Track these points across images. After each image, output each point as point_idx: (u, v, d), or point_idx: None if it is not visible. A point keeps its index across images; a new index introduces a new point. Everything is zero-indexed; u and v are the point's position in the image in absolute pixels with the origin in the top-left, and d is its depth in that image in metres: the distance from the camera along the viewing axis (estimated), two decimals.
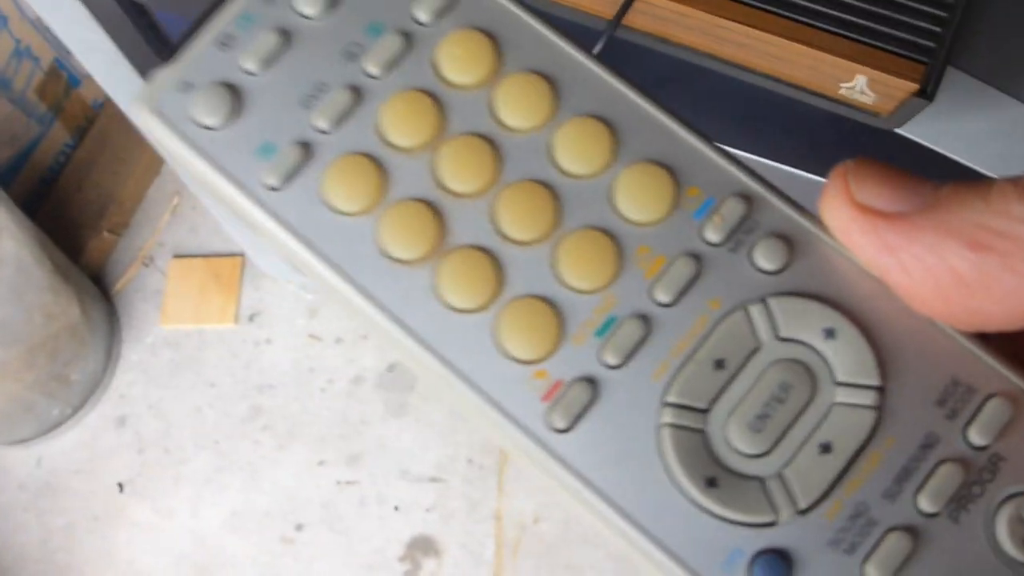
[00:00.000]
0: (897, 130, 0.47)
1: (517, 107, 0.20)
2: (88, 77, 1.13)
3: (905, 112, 0.44)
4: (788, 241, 0.19)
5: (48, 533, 1.04)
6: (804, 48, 0.44)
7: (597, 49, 0.46)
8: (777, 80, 0.47)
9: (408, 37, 0.21)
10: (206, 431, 1.07)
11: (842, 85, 0.45)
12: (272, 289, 1.12)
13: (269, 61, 0.20)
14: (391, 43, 0.20)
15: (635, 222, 0.20)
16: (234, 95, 0.20)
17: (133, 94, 0.20)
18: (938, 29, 0.43)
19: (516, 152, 0.20)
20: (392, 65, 0.20)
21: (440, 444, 1.03)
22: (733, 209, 0.19)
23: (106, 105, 1.16)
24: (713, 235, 0.19)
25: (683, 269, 0.19)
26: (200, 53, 0.20)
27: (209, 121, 0.20)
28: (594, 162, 0.20)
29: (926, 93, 0.42)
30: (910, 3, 0.44)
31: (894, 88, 0.43)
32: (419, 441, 1.04)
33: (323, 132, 0.20)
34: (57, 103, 1.10)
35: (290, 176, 0.20)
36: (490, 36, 0.20)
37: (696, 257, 0.19)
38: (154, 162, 1.17)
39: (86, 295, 1.04)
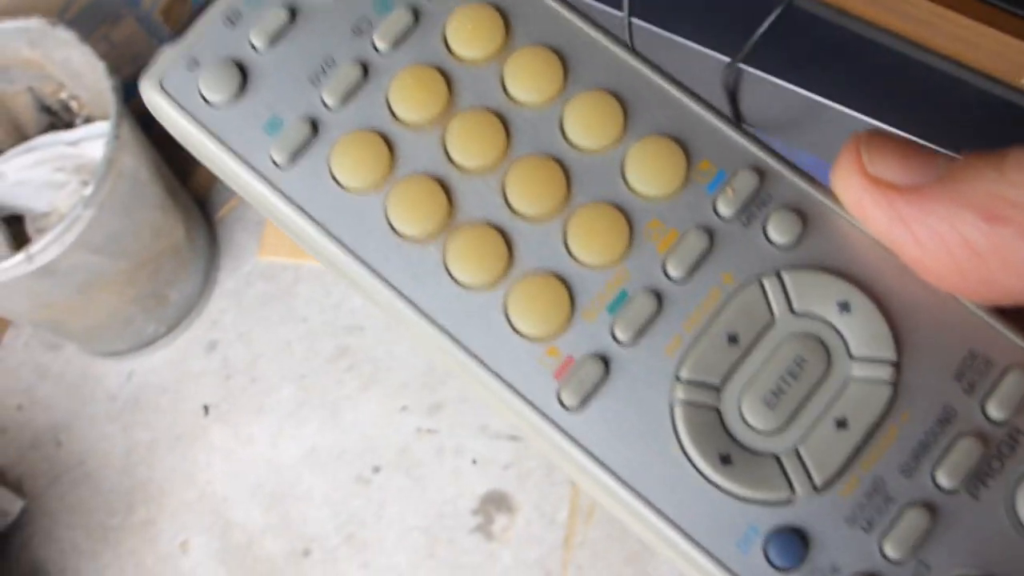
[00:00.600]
0: None
1: (527, 81, 0.20)
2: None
3: None
4: (801, 214, 0.19)
5: (132, 445, 1.06)
6: (994, 32, 0.43)
7: (772, 18, 0.45)
8: (957, 63, 0.46)
9: (417, 12, 0.20)
10: (292, 365, 1.08)
11: None
12: None
13: (276, 37, 0.20)
14: (400, 18, 0.20)
15: (646, 196, 0.19)
16: (241, 71, 0.20)
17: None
18: None
19: (526, 126, 0.20)
20: (401, 40, 0.20)
21: None
22: (745, 182, 0.19)
23: None
24: (725, 209, 0.19)
25: (695, 243, 0.19)
26: (207, 30, 0.20)
27: (216, 98, 0.20)
28: (605, 136, 0.20)
29: None
30: None
31: None
32: None
33: (331, 108, 0.20)
34: (180, 27, 1.12)
35: (297, 153, 0.20)
36: (499, 9, 0.20)
37: (708, 231, 0.19)
38: None
39: (191, 218, 1.05)
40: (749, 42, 0.46)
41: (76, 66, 0.93)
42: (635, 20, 0.49)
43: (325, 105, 0.20)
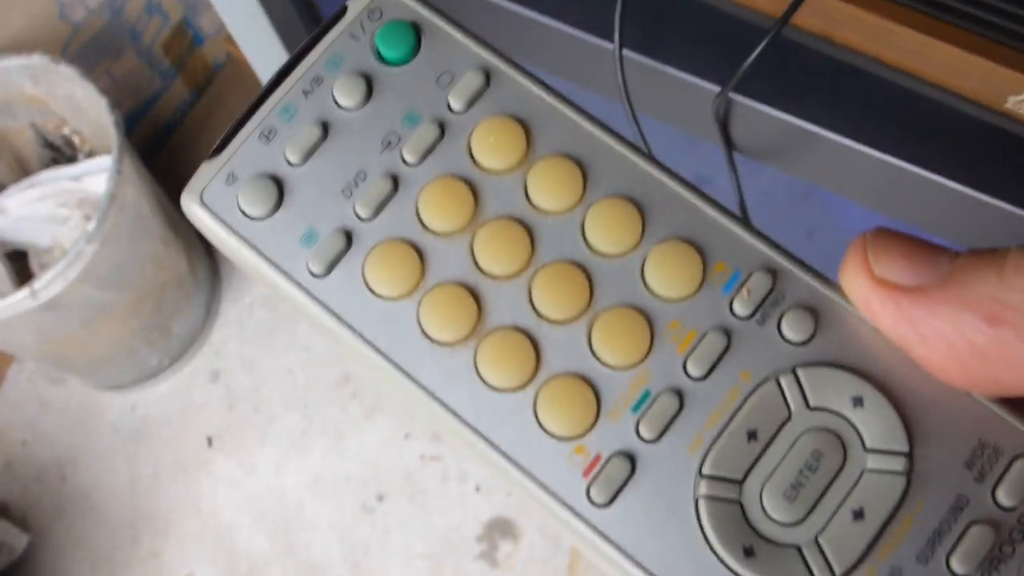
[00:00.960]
0: None
1: (549, 190, 0.21)
2: (212, 38, 1.16)
3: None
4: (814, 312, 0.20)
5: (136, 478, 1.06)
6: (977, 58, 0.44)
7: (761, 47, 0.46)
8: (943, 89, 0.46)
9: (443, 125, 0.21)
10: (296, 393, 1.09)
11: (1011, 98, 0.44)
12: None
13: (310, 152, 0.21)
14: (427, 131, 0.21)
15: (666, 298, 0.20)
16: (277, 186, 0.21)
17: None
18: None
19: (549, 234, 0.21)
20: (428, 152, 0.21)
21: None
22: (760, 283, 0.20)
23: (226, 66, 1.19)
24: (741, 309, 0.20)
25: (714, 342, 0.20)
26: (244, 146, 0.21)
27: (254, 212, 0.21)
28: (624, 241, 0.20)
29: None
30: None
31: None
32: None
33: (363, 219, 0.21)
34: (180, 60, 1.13)
35: (333, 263, 0.20)
36: (521, 122, 0.21)
37: (726, 331, 0.20)
38: None
39: (193, 249, 1.06)
40: (738, 72, 0.46)
41: (78, 101, 0.94)
42: (626, 51, 0.50)
43: (358, 216, 0.21)
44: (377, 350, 0.20)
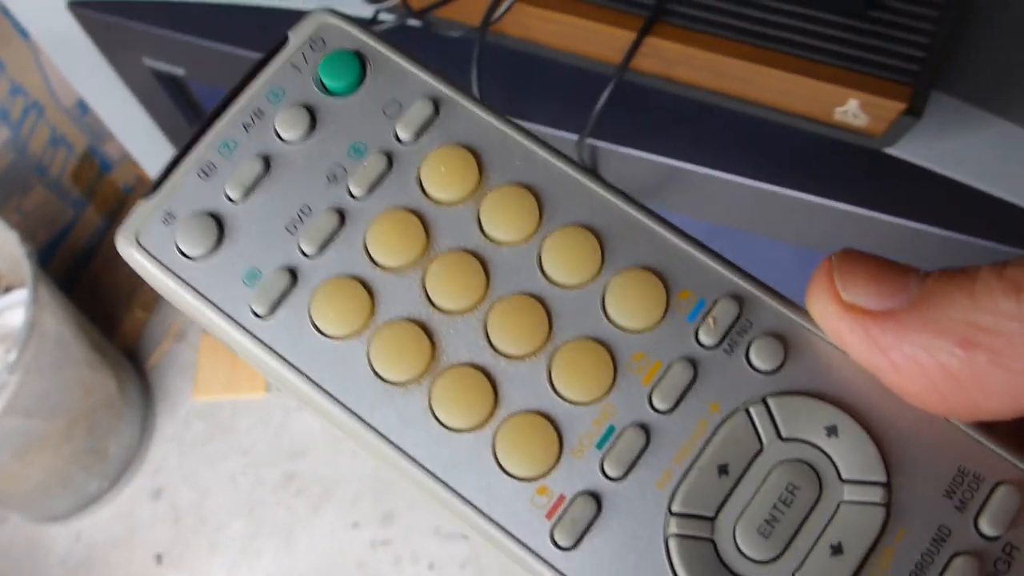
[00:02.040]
0: (893, 152, 0.50)
1: (503, 220, 0.20)
2: (119, 163, 1.18)
3: (896, 131, 0.47)
4: (783, 339, 0.19)
5: None
6: (801, 78, 0.48)
7: (607, 93, 0.50)
8: (777, 110, 0.50)
9: (391, 156, 0.20)
10: (240, 499, 1.09)
11: (836, 110, 0.48)
12: None
13: (251, 187, 0.20)
14: (374, 163, 0.20)
15: (628, 329, 0.19)
16: (217, 224, 0.20)
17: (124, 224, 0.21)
18: (922, 54, 0.47)
19: (505, 265, 0.20)
20: (376, 185, 0.20)
21: None
22: (726, 310, 0.19)
23: (137, 189, 1.21)
24: (708, 338, 0.19)
25: (680, 374, 0.19)
26: (181, 184, 0.20)
27: (193, 251, 0.20)
28: (583, 271, 0.20)
29: (914, 111, 0.46)
30: (896, 32, 0.47)
31: (884, 109, 0.46)
32: None
33: (309, 256, 0.20)
34: (90, 188, 1.15)
35: (277, 302, 0.20)
36: (472, 151, 0.20)
37: (692, 361, 0.19)
38: None
39: (121, 370, 1.07)
40: (591, 119, 0.50)
41: None
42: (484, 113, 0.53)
43: (303, 253, 0.20)
44: (326, 393, 0.19)
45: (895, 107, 0.46)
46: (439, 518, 1.04)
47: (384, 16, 0.56)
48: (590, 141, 0.52)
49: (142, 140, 0.82)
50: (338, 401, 0.19)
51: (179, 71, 0.71)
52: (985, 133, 0.50)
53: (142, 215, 0.20)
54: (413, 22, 0.55)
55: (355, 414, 0.19)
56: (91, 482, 1.05)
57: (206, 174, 0.21)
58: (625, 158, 0.54)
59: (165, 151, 0.80)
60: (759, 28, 0.49)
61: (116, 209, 1.20)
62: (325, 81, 0.21)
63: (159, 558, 1.07)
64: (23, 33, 0.93)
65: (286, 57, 0.21)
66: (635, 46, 0.50)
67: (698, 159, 0.52)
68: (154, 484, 1.10)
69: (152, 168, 0.85)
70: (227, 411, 1.14)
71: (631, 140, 0.53)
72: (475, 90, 0.52)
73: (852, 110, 0.48)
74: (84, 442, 1.00)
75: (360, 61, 0.21)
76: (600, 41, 0.51)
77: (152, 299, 1.19)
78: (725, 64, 0.49)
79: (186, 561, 1.07)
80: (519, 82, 0.55)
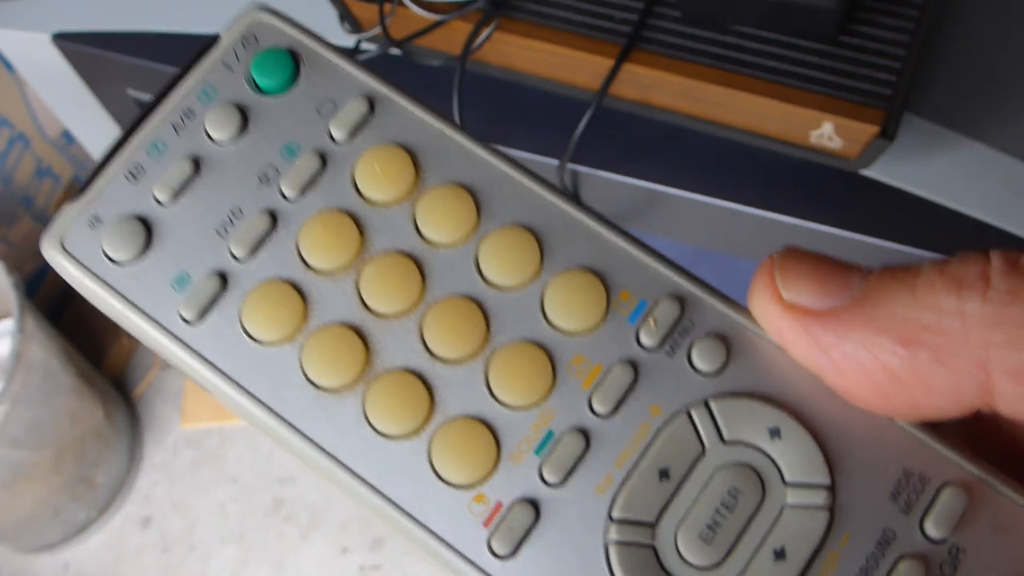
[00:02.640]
0: (868, 174, 0.51)
1: (440, 221, 0.20)
2: None
3: (870, 154, 0.48)
4: (725, 340, 0.19)
5: None
6: (776, 103, 0.49)
7: (586, 119, 0.51)
8: (754, 134, 0.51)
9: (324, 156, 0.20)
10: (230, 526, 1.09)
11: (812, 133, 0.49)
12: None
13: (180, 189, 0.20)
14: (306, 163, 0.20)
15: (568, 331, 0.19)
16: (145, 227, 0.20)
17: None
18: (893, 78, 0.48)
19: (441, 268, 0.19)
20: (309, 186, 0.20)
21: None
22: (667, 311, 0.19)
23: None
24: (648, 339, 0.19)
25: (620, 377, 0.19)
26: (108, 187, 0.20)
27: (120, 256, 0.20)
28: (522, 273, 0.19)
29: (887, 134, 0.46)
30: (867, 57, 0.48)
31: (857, 131, 0.47)
32: None
33: (240, 260, 0.19)
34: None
35: (207, 308, 0.19)
36: (408, 150, 0.20)
37: (633, 363, 0.19)
38: None
39: (109, 399, 1.07)
40: (571, 144, 0.51)
41: None
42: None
43: (234, 257, 0.19)
44: (257, 401, 0.19)
45: (869, 130, 0.47)
46: None
47: (366, 45, 0.57)
48: (571, 166, 0.53)
49: None
50: (270, 409, 0.19)
51: None
52: (957, 154, 0.51)
53: (67, 219, 0.20)
54: (394, 51, 0.55)
55: (287, 422, 0.19)
56: (80, 511, 1.04)
57: (134, 176, 0.20)
58: (605, 182, 0.55)
59: None
60: (734, 54, 0.50)
61: None
62: (257, 79, 0.20)
63: None
64: (8, 66, 0.94)
65: (218, 55, 0.21)
66: (613, 73, 0.50)
67: (677, 182, 0.53)
68: (143, 512, 1.10)
69: None
70: (215, 439, 1.14)
71: (611, 165, 0.54)
72: (456, 117, 0.52)
73: (827, 133, 0.49)
74: (72, 471, 0.99)
75: (293, 59, 0.21)
76: (579, 68, 0.52)
77: None
78: (702, 89, 0.50)
79: None
80: (500, 109, 0.55)
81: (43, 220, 1.11)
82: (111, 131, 0.79)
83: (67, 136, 1.09)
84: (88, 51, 0.69)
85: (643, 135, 0.54)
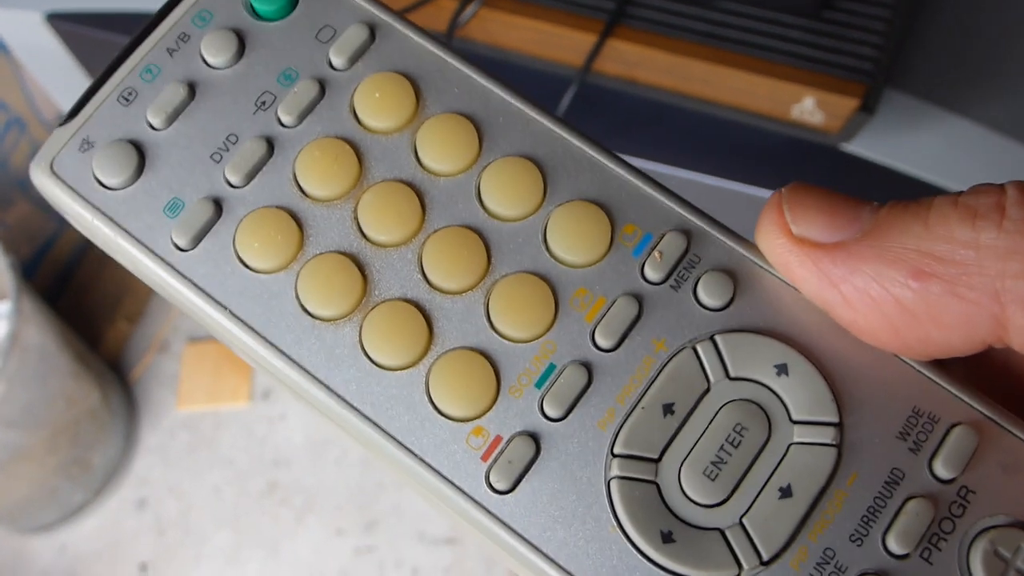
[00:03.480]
0: (849, 149, 0.51)
1: (441, 150, 0.19)
2: None
3: (851, 128, 0.49)
4: (732, 275, 0.18)
5: None
6: (758, 77, 0.49)
7: (569, 95, 0.51)
8: (736, 109, 0.52)
9: (323, 83, 0.20)
10: (225, 509, 1.09)
11: (793, 108, 0.50)
12: None
13: (175, 114, 0.19)
14: (305, 90, 0.19)
15: (571, 264, 0.19)
16: (138, 152, 0.19)
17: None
18: (874, 52, 0.48)
19: (442, 197, 0.19)
20: (307, 112, 0.19)
21: None
22: (673, 245, 0.18)
23: None
24: (654, 273, 0.18)
25: (624, 310, 0.18)
26: (100, 109, 0.19)
27: (111, 180, 0.19)
28: (525, 203, 0.19)
29: (868, 107, 0.47)
30: (849, 32, 0.49)
31: (838, 106, 0.48)
32: None
33: (235, 186, 0.19)
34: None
35: (200, 234, 0.19)
36: (409, 78, 0.20)
37: (637, 297, 0.18)
38: None
39: (105, 381, 1.08)
40: None
41: None
42: None
43: (229, 183, 0.19)
44: (250, 329, 0.18)
45: (849, 104, 0.47)
46: (424, 523, 1.05)
47: None
48: None
49: None
50: (263, 338, 0.18)
51: None
52: (938, 128, 0.51)
53: (58, 142, 0.19)
54: None
55: (281, 351, 0.18)
56: (75, 493, 1.05)
57: (127, 100, 0.19)
58: None
59: None
60: (717, 30, 0.50)
61: None
62: (255, 4, 0.20)
63: (144, 569, 1.07)
64: (3, 48, 0.95)
65: None
66: (596, 49, 0.51)
67: (661, 158, 0.54)
68: (138, 495, 1.11)
69: None
70: (210, 422, 1.14)
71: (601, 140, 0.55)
72: None
73: (808, 108, 0.49)
74: (68, 453, 1.00)
75: None
76: (563, 45, 0.52)
77: (136, 311, 1.20)
78: (685, 65, 0.51)
79: (171, 572, 1.07)
80: None
81: (39, 203, 1.12)
82: None
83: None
84: (81, 30, 0.69)
85: (627, 111, 0.54)
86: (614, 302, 0.18)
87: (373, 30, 0.20)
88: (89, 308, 1.17)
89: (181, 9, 0.20)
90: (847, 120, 0.48)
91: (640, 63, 0.52)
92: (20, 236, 1.09)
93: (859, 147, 0.51)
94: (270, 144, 0.19)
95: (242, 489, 1.10)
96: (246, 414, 1.14)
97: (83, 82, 0.75)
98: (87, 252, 1.20)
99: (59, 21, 0.71)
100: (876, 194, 0.51)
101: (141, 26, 0.20)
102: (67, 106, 0.83)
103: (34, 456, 0.96)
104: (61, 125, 0.19)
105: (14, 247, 0.96)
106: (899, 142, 0.51)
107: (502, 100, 0.19)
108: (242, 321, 0.18)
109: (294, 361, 0.18)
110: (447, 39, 0.51)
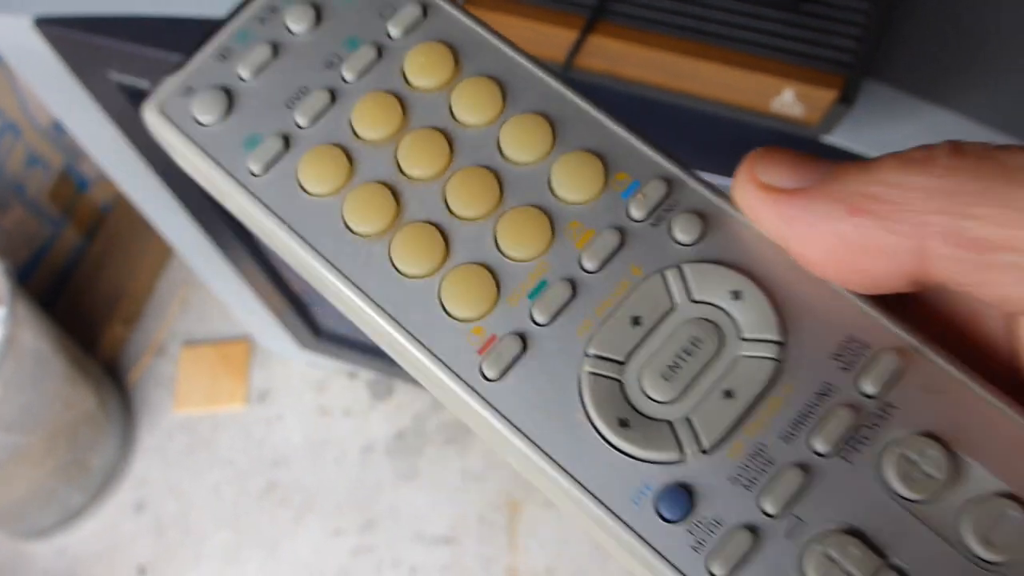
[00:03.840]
0: (830, 140, 0.52)
1: (471, 105, 0.23)
2: (96, 182, 1.20)
3: (830, 120, 0.49)
4: (703, 217, 0.21)
5: None
6: (738, 70, 0.49)
7: None
8: (717, 102, 0.52)
9: (380, 49, 0.24)
10: (224, 509, 1.10)
11: (773, 100, 0.50)
12: (280, 368, 1.16)
13: (260, 69, 0.24)
14: (365, 53, 0.24)
15: (568, 201, 0.22)
16: (228, 97, 0.24)
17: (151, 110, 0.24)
18: (853, 44, 0.48)
19: (468, 144, 0.23)
20: (365, 72, 0.23)
21: (451, 504, 1.06)
22: (655, 189, 0.22)
23: (115, 207, 1.22)
24: (637, 211, 0.21)
25: (609, 240, 0.21)
26: (202, 63, 0.24)
27: (205, 119, 0.23)
28: (535, 151, 0.22)
29: (846, 99, 0.47)
30: (827, 24, 0.49)
31: (817, 98, 0.48)
32: (431, 503, 1.07)
33: (301, 127, 0.23)
34: (68, 206, 1.17)
35: (271, 163, 0.23)
36: (450, 47, 0.24)
37: (621, 230, 0.21)
38: (162, 256, 1.23)
39: (101, 384, 1.08)
40: None
41: None
42: None
43: (297, 125, 0.23)
44: (304, 241, 0.22)
45: (828, 96, 0.48)
46: (421, 523, 1.05)
47: None
48: None
49: (113, 156, 0.83)
50: (314, 249, 0.22)
51: (146, 85, 0.72)
52: (918, 119, 0.51)
53: (167, 88, 0.24)
54: None
55: (327, 260, 0.22)
56: (73, 496, 1.05)
57: (223, 57, 0.24)
58: None
59: (137, 166, 0.82)
60: (697, 24, 0.50)
61: (95, 227, 1.21)
62: None
63: (143, 571, 1.08)
64: None
65: None
66: (577, 45, 0.51)
67: None
68: (137, 497, 1.11)
69: (125, 183, 0.86)
70: (207, 424, 1.15)
71: None
72: None
73: (788, 100, 0.49)
74: (66, 456, 1.01)
75: None
76: (544, 41, 0.53)
77: (132, 314, 1.20)
78: (666, 60, 0.51)
79: (170, 573, 1.07)
80: None
81: (34, 209, 1.12)
82: (95, 117, 0.79)
83: (57, 126, 1.10)
84: (70, 34, 0.69)
85: (611, 107, 0.55)
86: (601, 233, 0.21)
87: (425, 9, 0.24)
88: (85, 312, 1.17)
89: None
90: (826, 112, 0.48)
91: (621, 58, 0.52)
92: (16, 241, 1.10)
93: (839, 138, 0.52)
94: (333, 95, 0.23)
95: (241, 489, 1.11)
96: (244, 416, 1.14)
97: (72, 86, 0.75)
98: (83, 256, 1.20)
99: (48, 26, 0.71)
100: None
101: (237, 4, 0.25)
102: (56, 110, 0.83)
103: (32, 458, 0.96)
104: (169, 75, 0.24)
105: (10, 252, 0.97)
106: (879, 133, 0.51)
107: (526, 68, 0.23)
108: (297, 234, 0.22)
109: (336, 268, 0.22)
110: None
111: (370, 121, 0.23)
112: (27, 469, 0.97)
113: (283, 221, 0.22)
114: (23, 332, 0.91)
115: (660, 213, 0.21)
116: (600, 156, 0.22)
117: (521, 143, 0.22)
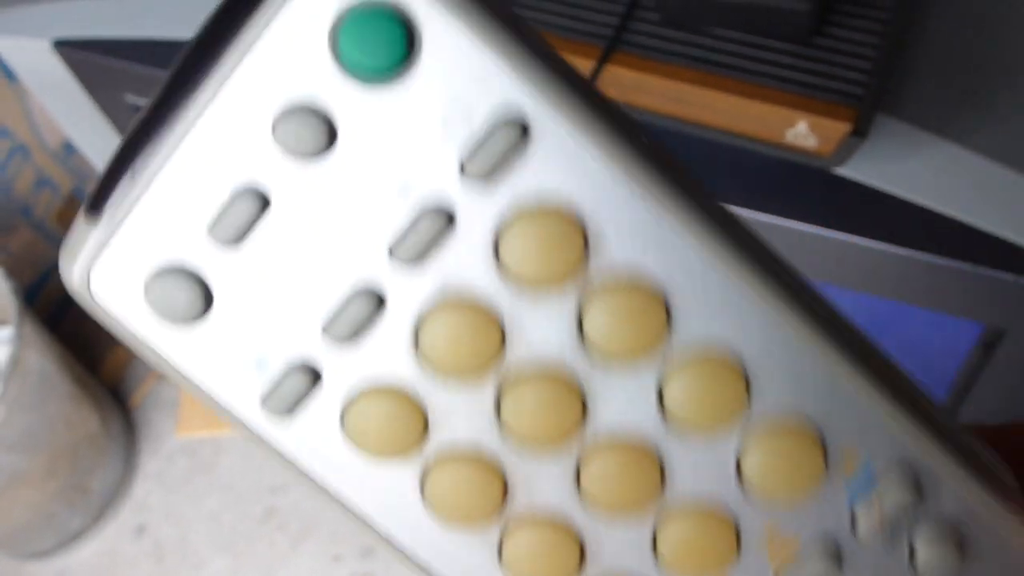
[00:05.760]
0: (842, 172, 0.52)
1: (618, 327, 0.13)
2: None
3: (843, 152, 0.50)
4: (961, 539, 0.14)
5: None
6: (753, 102, 0.50)
7: None
8: (731, 133, 0.53)
9: (450, 209, 0.14)
10: (223, 535, 1.09)
11: (787, 131, 0.51)
12: None
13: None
14: (428, 220, 0.13)
15: (767, 498, 0.14)
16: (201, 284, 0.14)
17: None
18: (865, 77, 0.49)
19: (608, 391, 0.14)
20: (426, 251, 0.13)
21: None
22: (898, 492, 0.14)
23: None
24: (866, 524, 0.14)
25: (819, 568, 0.14)
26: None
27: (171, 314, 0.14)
28: (719, 414, 0.14)
29: (859, 131, 0.48)
30: (840, 58, 0.50)
31: (831, 129, 0.49)
32: None
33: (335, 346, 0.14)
34: None
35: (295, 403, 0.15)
36: (577, 217, 0.13)
37: (837, 552, 0.14)
38: None
39: (105, 406, 1.08)
40: None
41: None
42: None
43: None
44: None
45: (841, 128, 0.48)
46: None
47: None
48: None
49: None
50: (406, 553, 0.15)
51: None
52: (929, 153, 0.52)
53: (92, 245, 0.16)
54: None
55: (415, 558, 0.15)
56: (74, 519, 1.05)
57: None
58: None
59: None
60: (712, 55, 0.51)
61: None
62: (348, 55, 0.12)
63: None
64: (9, 76, 0.96)
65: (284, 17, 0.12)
66: (594, 75, 0.52)
67: None
68: (137, 521, 1.11)
69: None
70: (209, 448, 1.15)
71: None
72: None
73: (802, 131, 0.50)
74: (67, 478, 1.00)
75: (405, 27, 0.12)
76: None
77: None
78: (681, 90, 0.52)
79: None
80: None
81: (42, 230, 1.13)
82: (111, 139, 0.80)
83: (67, 148, 1.11)
84: (87, 57, 0.70)
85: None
86: (808, 554, 0.14)
87: (526, 125, 0.12)
88: (90, 334, 1.18)
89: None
90: (839, 144, 0.49)
91: (637, 88, 0.53)
92: (22, 262, 1.10)
93: (851, 171, 0.52)
94: (380, 299, 0.13)
95: (241, 514, 1.10)
96: (244, 440, 1.14)
97: (90, 110, 0.76)
98: None
99: (66, 48, 0.72)
100: (869, 217, 0.52)
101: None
102: (71, 132, 0.84)
103: (33, 481, 0.96)
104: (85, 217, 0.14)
105: (16, 273, 0.97)
106: (891, 166, 0.52)
107: (706, 260, 0.13)
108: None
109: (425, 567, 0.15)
110: None
111: (449, 344, 0.13)
112: (28, 492, 0.96)
113: (326, 483, 0.15)
114: (29, 353, 0.91)
115: (899, 527, 0.14)
116: (815, 428, 0.14)
117: (699, 400, 0.14)
